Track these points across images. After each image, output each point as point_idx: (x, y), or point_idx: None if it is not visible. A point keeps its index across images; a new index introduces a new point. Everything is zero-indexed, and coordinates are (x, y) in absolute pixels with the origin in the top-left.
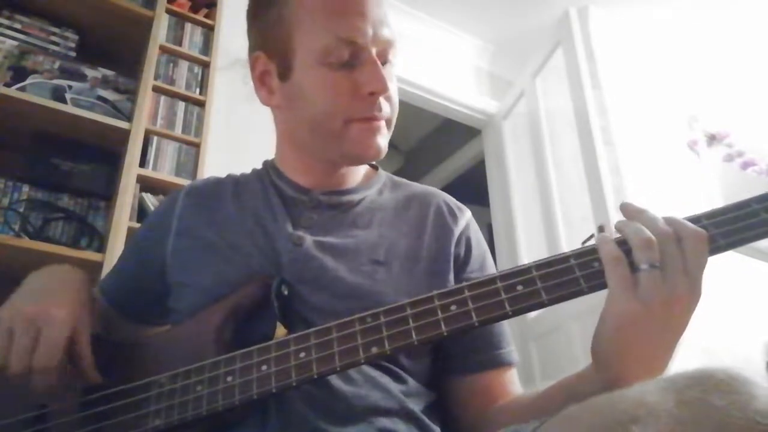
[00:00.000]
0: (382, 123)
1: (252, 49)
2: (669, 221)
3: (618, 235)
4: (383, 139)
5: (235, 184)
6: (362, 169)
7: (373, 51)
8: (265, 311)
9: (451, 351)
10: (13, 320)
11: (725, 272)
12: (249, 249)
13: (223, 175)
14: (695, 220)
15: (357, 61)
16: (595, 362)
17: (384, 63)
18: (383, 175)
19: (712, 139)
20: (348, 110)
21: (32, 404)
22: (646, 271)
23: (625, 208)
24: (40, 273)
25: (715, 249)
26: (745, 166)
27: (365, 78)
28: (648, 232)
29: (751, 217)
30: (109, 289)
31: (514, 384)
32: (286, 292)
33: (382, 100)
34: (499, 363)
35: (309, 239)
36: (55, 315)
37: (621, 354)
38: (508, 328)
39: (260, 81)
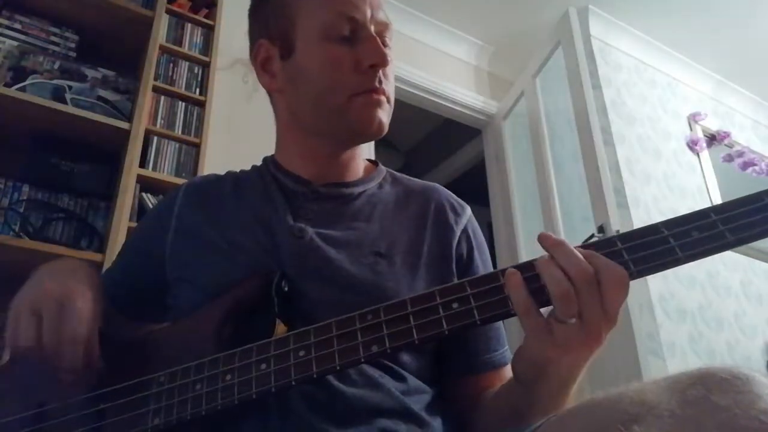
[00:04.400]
0: (383, 98)
1: (254, 40)
2: (589, 258)
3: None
4: (385, 115)
5: (234, 180)
6: (362, 164)
7: (372, 29)
8: (264, 308)
9: (448, 354)
10: (38, 301)
11: (725, 272)
12: (249, 245)
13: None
14: (703, 215)
15: (357, 37)
16: (516, 381)
17: (383, 44)
18: (383, 170)
19: (712, 139)
20: (350, 84)
21: (31, 403)
22: (564, 323)
23: (543, 241)
24: (51, 264)
25: (724, 246)
26: (745, 166)
27: (365, 52)
28: (566, 283)
29: (764, 212)
30: (107, 286)
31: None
32: (286, 288)
33: (381, 75)
34: (495, 365)
35: (310, 231)
36: (78, 289)
37: (540, 381)
38: (503, 329)
39: (263, 68)
